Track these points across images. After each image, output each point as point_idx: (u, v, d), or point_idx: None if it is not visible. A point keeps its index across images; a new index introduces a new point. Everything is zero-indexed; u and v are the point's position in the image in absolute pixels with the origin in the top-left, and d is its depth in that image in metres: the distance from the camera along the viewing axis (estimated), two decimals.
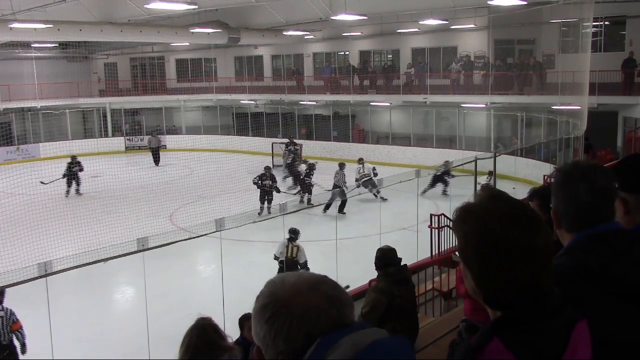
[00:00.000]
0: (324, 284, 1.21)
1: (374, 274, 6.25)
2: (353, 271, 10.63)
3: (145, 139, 33.27)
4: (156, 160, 29.28)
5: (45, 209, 16.72)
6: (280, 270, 10.95)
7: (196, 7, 17.73)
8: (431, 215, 11.66)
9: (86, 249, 14.17)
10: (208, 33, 24.40)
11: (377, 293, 5.74)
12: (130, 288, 12.98)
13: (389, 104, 28.53)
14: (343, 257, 11.32)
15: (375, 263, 5.97)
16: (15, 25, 18.53)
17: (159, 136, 30.84)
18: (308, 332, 1.13)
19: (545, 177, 16.36)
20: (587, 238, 1.77)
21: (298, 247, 11.19)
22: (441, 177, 19.38)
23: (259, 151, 29.30)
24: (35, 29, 19.41)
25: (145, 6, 17.99)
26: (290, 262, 11.01)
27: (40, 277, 7.30)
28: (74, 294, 11.88)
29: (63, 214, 15.90)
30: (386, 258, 5.89)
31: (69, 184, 21.62)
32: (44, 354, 8.08)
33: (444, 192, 19.49)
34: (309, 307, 1.15)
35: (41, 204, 17.68)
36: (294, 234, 11.25)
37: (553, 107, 21.67)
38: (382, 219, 13.15)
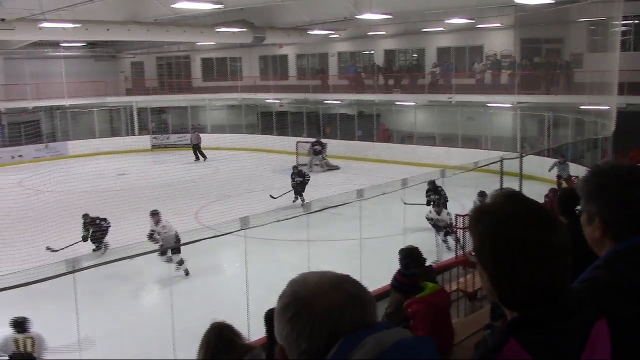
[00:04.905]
0: (347, 282, 1.21)
1: None
2: (377, 271, 10.59)
3: (171, 138, 33.80)
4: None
5: (73, 206, 16.93)
6: None
7: (222, 6, 17.78)
8: (456, 215, 11.60)
9: (113, 247, 14.39)
10: (233, 32, 24.52)
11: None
12: (156, 285, 13.10)
13: (414, 104, 28.37)
14: (367, 257, 11.28)
15: (399, 263, 5.95)
16: (45, 24, 18.80)
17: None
18: (331, 332, 1.13)
19: (573, 177, 16.15)
20: (629, 248, 1.65)
21: (32, 338, 8.52)
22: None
23: (283, 150, 29.38)
24: (63, 29, 19.70)
25: (172, 6, 18.11)
26: (28, 356, 8.43)
27: (68, 273, 7.41)
28: (101, 291, 12.00)
29: (91, 211, 16.06)
30: (411, 258, 5.87)
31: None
32: (71, 349, 8.21)
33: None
34: (332, 306, 1.15)
35: (69, 202, 17.94)
36: (18, 325, 8.34)
37: (581, 107, 21.37)
38: (406, 219, 13.09)
